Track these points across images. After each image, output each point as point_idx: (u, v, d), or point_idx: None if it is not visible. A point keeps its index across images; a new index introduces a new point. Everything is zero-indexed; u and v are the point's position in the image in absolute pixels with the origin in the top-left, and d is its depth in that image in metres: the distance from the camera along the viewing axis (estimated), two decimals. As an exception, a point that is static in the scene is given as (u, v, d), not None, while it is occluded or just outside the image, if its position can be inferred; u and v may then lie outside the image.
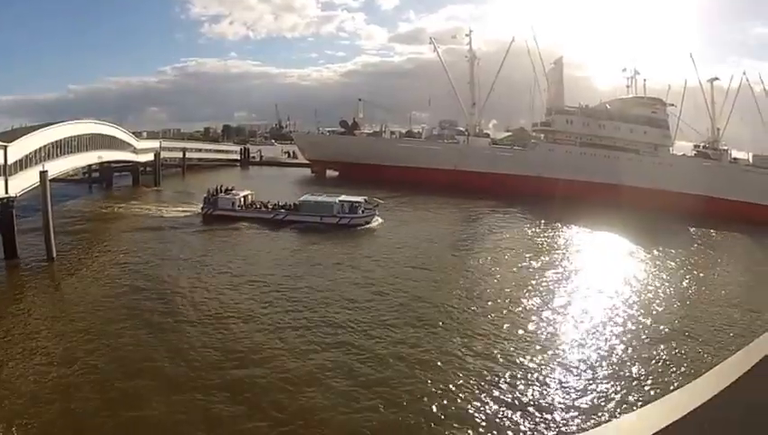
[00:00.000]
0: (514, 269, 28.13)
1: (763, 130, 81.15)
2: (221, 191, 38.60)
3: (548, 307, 21.98)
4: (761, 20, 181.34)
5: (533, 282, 25.62)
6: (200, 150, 77.50)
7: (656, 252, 35.42)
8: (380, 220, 37.71)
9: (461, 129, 71.79)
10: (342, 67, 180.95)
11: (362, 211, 36.75)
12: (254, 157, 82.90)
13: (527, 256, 31.43)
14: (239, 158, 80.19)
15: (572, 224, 44.62)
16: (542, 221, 45.24)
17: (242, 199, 38.04)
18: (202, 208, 37.77)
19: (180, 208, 40.95)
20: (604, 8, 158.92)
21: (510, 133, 78.69)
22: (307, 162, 73.97)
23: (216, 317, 19.17)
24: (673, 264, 32.72)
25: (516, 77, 71.92)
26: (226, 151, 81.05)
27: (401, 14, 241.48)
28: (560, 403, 14.25)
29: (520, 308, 21.69)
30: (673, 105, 75.15)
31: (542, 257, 31.68)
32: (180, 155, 71.68)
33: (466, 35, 71.46)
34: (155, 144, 63.39)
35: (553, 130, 69.88)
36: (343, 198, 37.41)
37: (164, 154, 64.84)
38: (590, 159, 68.71)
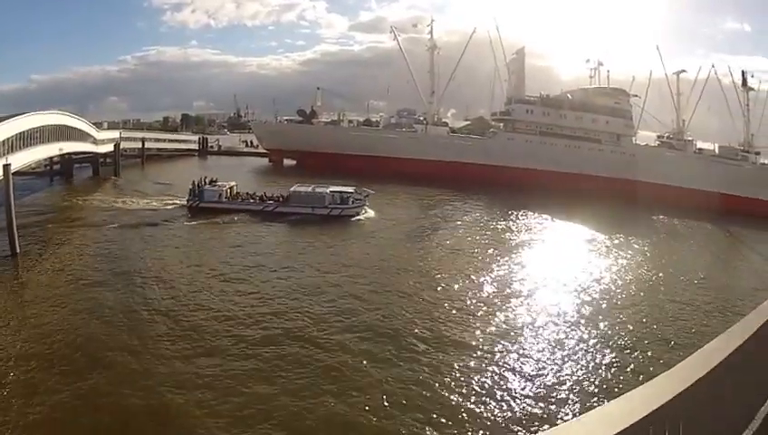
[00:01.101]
0: (485, 262, 27.46)
1: (730, 122, 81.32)
2: (205, 183, 36.97)
3: (514, 300, 21.34)
4: (731, 15, 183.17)
5: (508, 278, 24.84)
6: (159, 140, 76.21)
7: (616, 240, 34.73)
8: (372, 213, 36.54)
9: (419, 117, 70.95)
10: (301, 56, 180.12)
11: (352, 202, 35.71)
12: (212, 146, 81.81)
13: (492, 248, 30.70)
14: (197, 147, 79.04)
15: (531, 212, 44.04)
16: (503, 210, 44.54)
17: (228, 191, 36.58)
18: (187, 201, 36.05)
19: (145, 201, 38.98)
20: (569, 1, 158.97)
21: (468, 122, 77.90)
22: (265, 151, 72.84)
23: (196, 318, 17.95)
24: (634, 253, 31.94)
25: (477, 67, 71.37)
26: (185, 141, 79.75)
27: (362, 2, 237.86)
28: (521, 401, 13.33)
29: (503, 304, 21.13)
30: (637, 96, 74.90)
31: (505, 248, 31.03)
32: (139, 145, 70.41)
33: (428, 25, 70.80)
34: (115, 135, 62.18)
35: (513, 120, 69.27)
36: (334, 188, 36.30)
37: (124, 144, 63.61)
38: (551, 149, 68.15)
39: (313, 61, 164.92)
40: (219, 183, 37.25)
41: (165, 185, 46.60)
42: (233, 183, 37.98)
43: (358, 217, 35.47)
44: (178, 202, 37.52)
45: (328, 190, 35.86)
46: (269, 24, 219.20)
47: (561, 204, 46.38)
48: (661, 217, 51.85)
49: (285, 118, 74.14)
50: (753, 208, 64.55)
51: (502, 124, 70.89)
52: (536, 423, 12.20)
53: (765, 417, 4.58)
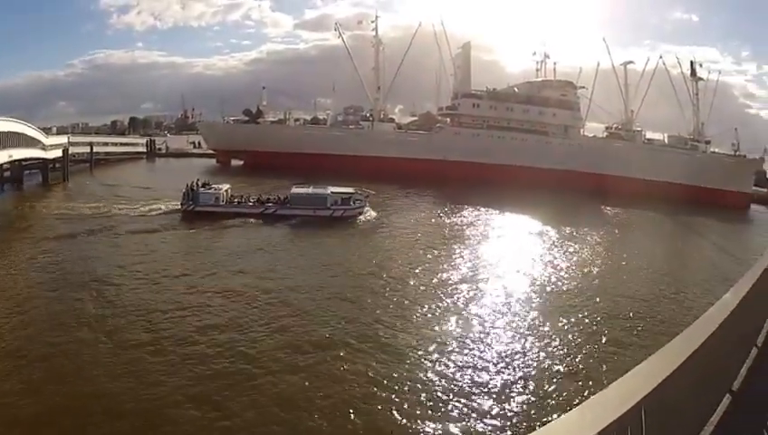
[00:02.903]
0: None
1: (679, 112, 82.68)
2: (198, 186, 35.13)
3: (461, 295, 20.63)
4: (679, 5, 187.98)
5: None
6: (107, 144, 75.01)
7: (565, 232, 34.69)
8: (374, 213, 35.91)
9: (366, 114, 70.91)
10: (247, 56, 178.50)
11: (354, 202, 35.06)
12: (159, 149, 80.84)
13: (440, 247, 29.68)
14: (145, 150, 78.08)
15: (479, 206, 43.73)
16: (451, 206, 44.04)
17: (224, 194, 35.12)
18: (181, 205, 34.36)
19: (125, 206, 36.19)
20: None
21: (415, 118, 78.14)
22: (212, 152, 72.17)
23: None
24: (582, 245, 31.73)
25: (423, 62, 71.64)
26: (133, 144, 78.79)
27: (307, 0, 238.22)
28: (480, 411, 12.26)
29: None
30: (584, 88, 75.67)
31: (448, 243, 30.49)
32: (87, 150, 69.26)
33: (372, 21, 70.68)
34: (63, 140, 61.19)
35: (459, 114, 69.56)
36: (334, 189, 35.50)
37: (72, 149, 62.53)
38: (498, 142, 68.60)
39: (259, 60, 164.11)
40: (214, 186, 35.82)
41: (126, 187, 45.15)
42: (227, 186, 36.51)
43: (361, 218, 34.85)
44: (163, 207, 35.53)
45: (329, 191, 35.10)
46: (214, 24, 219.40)
47: (510, 197, 46.48)
48: (610, 207, 52.13)
49: (232, 118, 73.46)
50: (705, 197, 65.77)
51: (448, 119, 71.15)
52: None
53: (723, 414, 4.74)
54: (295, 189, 35.52)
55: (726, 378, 5.33)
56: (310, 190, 35.48)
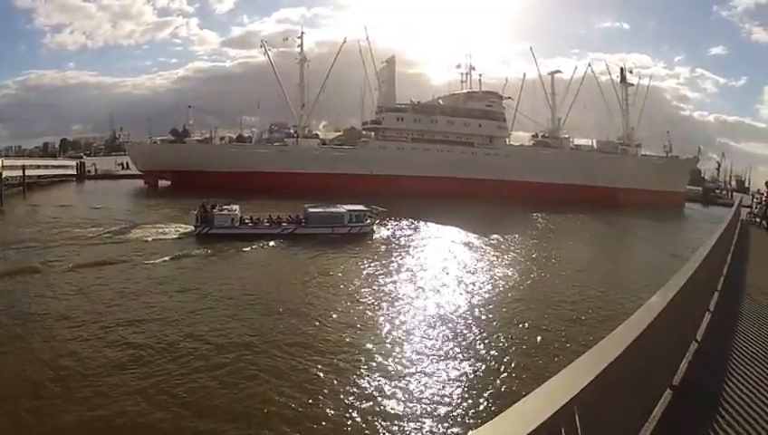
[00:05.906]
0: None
1: (608, 118, 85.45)
2: (207, 208, 34.05)
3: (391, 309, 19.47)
4: (610, 15, 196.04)
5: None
6: (39, 167, 74.57)
7: (492, 241, 35.12)
8: (385, 231, 36.45)
9: (290, 131, 71.86)
10: (174, 74, 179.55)
11: (366, 219, 35.55)
12: (89, 171, 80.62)
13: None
14: (75, 172, 77.83)
15: (405, 218, 43.38)
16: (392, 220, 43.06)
17: (238, 215, 34.45)
18: (195, 228, 33.40)
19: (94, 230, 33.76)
20: (441, 7, 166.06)
21: (340, 133, 79.33)
22: (140, 173, 72.27)
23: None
24: (511, 253, 32.01)
25: (348, 77, 72.85)
26: (64, 167, 78.52)
27: (234, 18, 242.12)
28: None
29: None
30: (510, 98, 77.92)
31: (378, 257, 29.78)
32: (18, 173, 68.91)
33: (298, 37, 71.74)
34: None
35: (384, 128, 70.91)
36: (349, 207, 35.77)
37: (6, 173, 62.30)
38: (423, 155, 70.20)
39: (186, 78, 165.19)
40: (226, 207, 35.09)
41: (106, 210, 42.75)
42: (237, 206, 35.91)
43: (375, 234, 35.33)
44: (175, 231, 34.10)
45: (345, 209, 35.37)
46: (143, 42, 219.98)
47: (435, 208, 46.99)
48: (538, 213, 53.09)
49: (159, 138, 73.65)
50: (640, 199, 68.05)
51: (373, 133, 72.48)
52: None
53: (665, 409, 4.73)
54: (310, 209, 35.39)
55: (667, 373, 5.28)
56: (326, 209, 35.71)
